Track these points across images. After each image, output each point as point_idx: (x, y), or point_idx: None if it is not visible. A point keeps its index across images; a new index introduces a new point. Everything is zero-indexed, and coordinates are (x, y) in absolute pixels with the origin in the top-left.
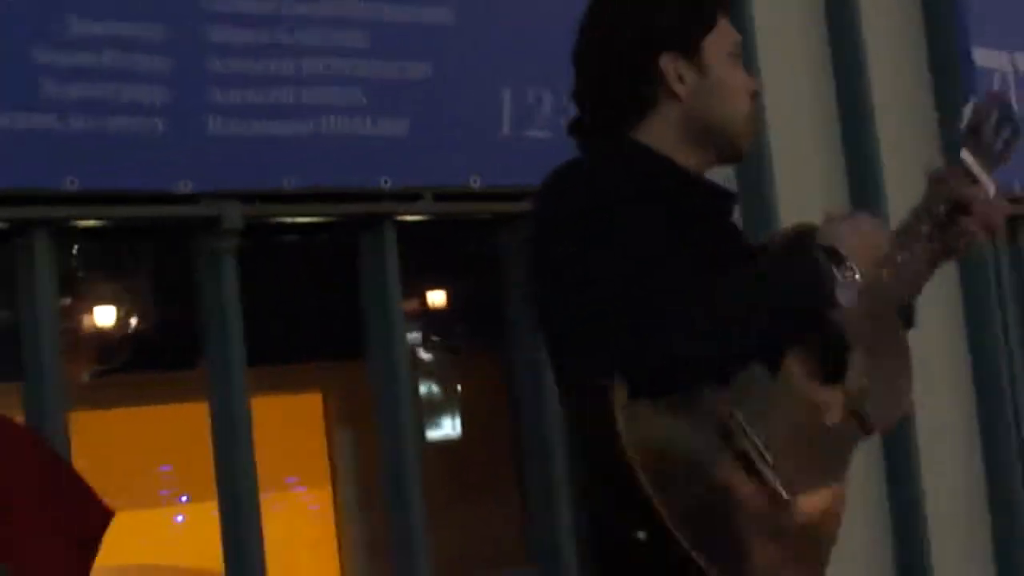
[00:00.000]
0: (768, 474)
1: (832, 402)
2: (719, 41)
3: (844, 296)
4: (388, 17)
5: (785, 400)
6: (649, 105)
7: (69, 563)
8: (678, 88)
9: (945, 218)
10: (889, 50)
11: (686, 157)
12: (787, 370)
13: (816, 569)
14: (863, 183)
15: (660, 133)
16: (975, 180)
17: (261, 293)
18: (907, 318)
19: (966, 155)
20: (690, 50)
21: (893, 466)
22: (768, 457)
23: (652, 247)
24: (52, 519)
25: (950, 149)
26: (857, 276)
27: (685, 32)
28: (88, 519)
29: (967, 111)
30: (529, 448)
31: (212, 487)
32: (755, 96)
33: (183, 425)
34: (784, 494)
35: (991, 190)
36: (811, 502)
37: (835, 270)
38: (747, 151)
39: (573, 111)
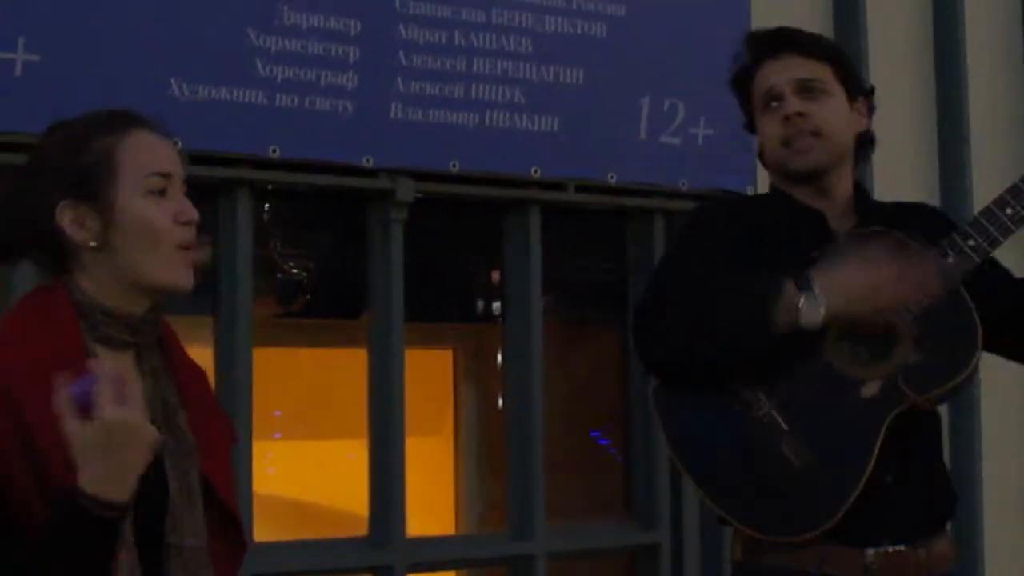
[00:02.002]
0: (783, 439)
1: (869, 374)
2: (756, 102)
3: (808, 317)
4: (550, 27)
5: (818, 369)
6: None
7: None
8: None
9: None
10: (985, 92)
11: (794, 190)
12: (825, 346)
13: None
14: (953, 191)
15: (776, 182)
16: None
17: (418, 259)
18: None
19: None
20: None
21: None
22: (784, 424)
23: (689, 280)
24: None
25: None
26: (819, 299)
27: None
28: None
29: None
30: (634, 411)
31: (351, 426)
32: (785, 122)
33: (339, 369)
34: (802, 451)
35: None
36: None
37: (802, 296)
38: (802, 167)
39: (703, 121)
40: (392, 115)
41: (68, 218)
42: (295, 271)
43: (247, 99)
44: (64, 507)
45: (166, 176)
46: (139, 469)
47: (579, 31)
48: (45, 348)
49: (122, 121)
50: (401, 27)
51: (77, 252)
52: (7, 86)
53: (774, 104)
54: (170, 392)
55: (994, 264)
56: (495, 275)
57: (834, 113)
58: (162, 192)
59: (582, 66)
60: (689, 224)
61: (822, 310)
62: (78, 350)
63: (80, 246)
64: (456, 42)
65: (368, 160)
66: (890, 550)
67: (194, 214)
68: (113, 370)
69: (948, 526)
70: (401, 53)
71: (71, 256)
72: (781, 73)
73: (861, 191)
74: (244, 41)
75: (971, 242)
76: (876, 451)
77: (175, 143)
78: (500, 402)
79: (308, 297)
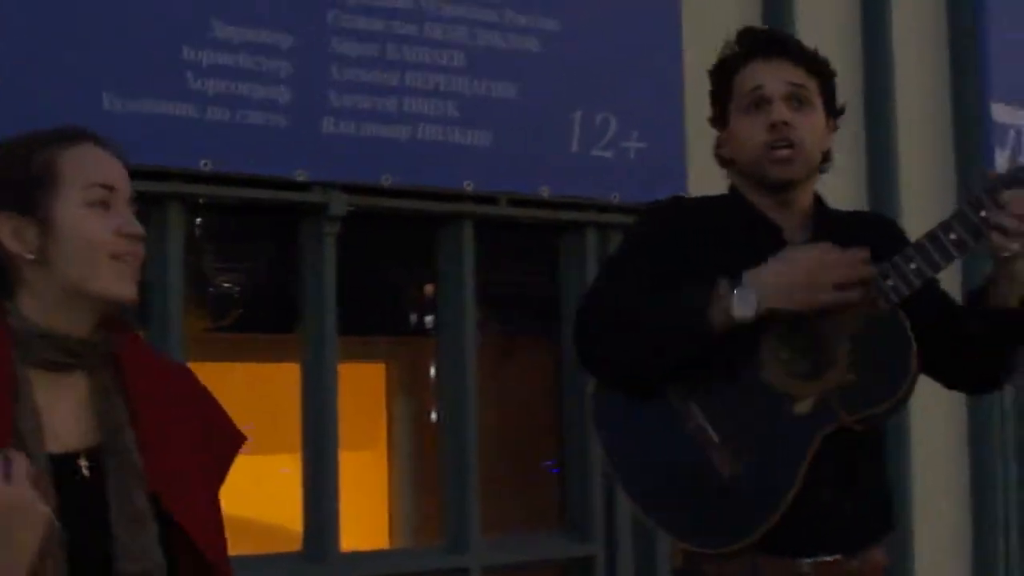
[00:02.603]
0: (714, 450)
1: (804, 391)
2: (736, 99)
3: (740, 310)
4: (482, 41)
5: (754, 385)
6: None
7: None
8: (724, 151)
9: (982, 221)
10: (919, 101)
11: (756, 196)
12: (762, 361)
13: None
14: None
15: (737, 182)
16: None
17: (351, 273)
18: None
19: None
20: (722, 120)
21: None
22: (715, 436)
23: (634, 273)
24: (204, 443)
25: (963, 191)
26: (749, 293)
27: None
28: (227, 443)
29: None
30: (569, 424)
31: (284, 441)
32: (771, 129)
33: (272, 383)
34: (731, 463)
35: None
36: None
37: (734, 291)
38: (781, 176)
39: (635, 135)
40: (324, 128)
41: (6, 231)
42: (227, 285)
43: (179, 112)
44: None
45: (109, 188)
46: (33, 548)
47: (512, 46)
48: None
49: (67, 135)
50: (333, 41)
51: (18, 267)
52: None
53: (760, 106)
54: (118, 411)
55: (933, 287)
56: (428, 289)
57: (813, 128)
58: (104, 205)
59: (515, 80)
60: (642, 222)
61: (754, 299)
62: (6, 382)
63: (18, 259)
64: (388, 56)
65: (301, 174)
66: (826, 560)
67: (138, 229)
68: (18, 457)
69: (885, 539)
70: (333, 67)
71: (13, 272)
72: (774, 77)
73: (820, 203)
74: (176, 54)
75: (912, 265)
76: (804, 469)
77: (122, 162)
78: (434, 416)
79: (240, 311)
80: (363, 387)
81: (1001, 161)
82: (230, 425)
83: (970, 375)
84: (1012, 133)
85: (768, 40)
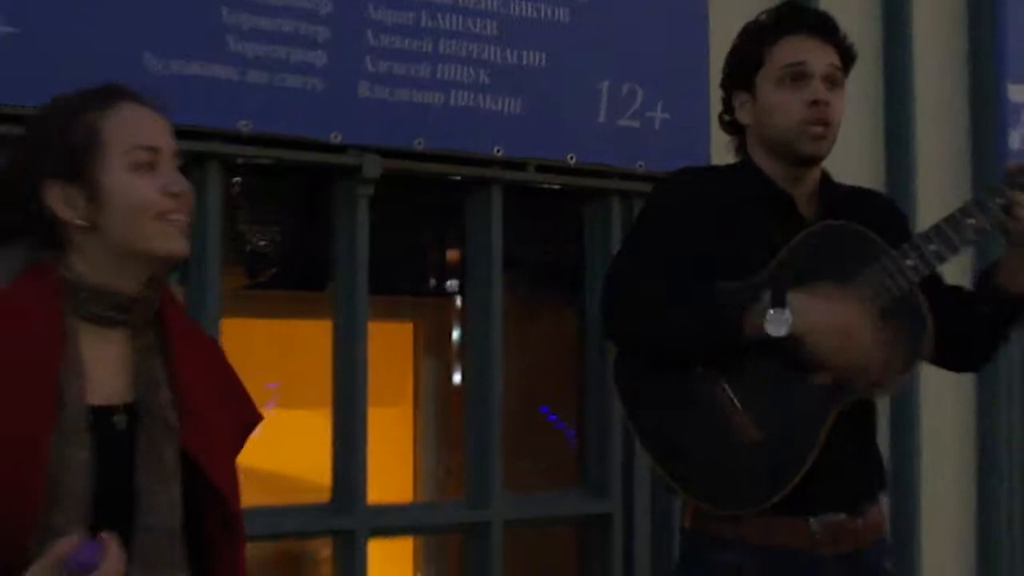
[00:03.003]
0: (737, 417)
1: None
2: (769, 69)
3: (772, 328)
4: (515, 11)
5: (775, 360)
6: (742, 132)
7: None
8: (744, 118)
9: (1002, 206)
10: (936, 81)
11: (771, 166)
12: (786, 344)
13: None
14: (903, 195)
15: (755, 153)
16: None
17: (382, 235)
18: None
19: None
20: (748, 85)
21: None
22: (739, 404)
23: (661, 249)
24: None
25: (979, 170)
26: (787, 315)
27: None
28: (246, 416)
29: None
30: (590, 386)
31: (315, 396)
32: (811, 106)
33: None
34: (755, 432)
35: None
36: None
37: (772, 309)
38: (814, 153)
39: (660, 106)
40: (360, 93)
41: (56, 198)
42: (262, 244)
43: (219, 74)
44: None
45: (154, 150)
46: None
47: (542, 15)
48: (23, 328)
49: (109, 95)
50: (370, 7)
51: (69, 231)
52: None
53: (798, 81)
54: (156, 368)
55: (934, 274)
56: (457, 252)
57: (840, 109)
58: (149, 165)
59: (545, 49)
60: (661, 192)
61: (786, 330)
62: (53, 332)
63: (69, 225)
64: (423, 23)
65: (336, 136)
66: (832, 519)
67: (184, 186)
68: (115, 549)
69: (881, 498)
70: (369, 32)
71: (63, 235)
72: (817, 55)
73: (826, 178)
74: (217, 17)
75: (932, 247)
76: (822, 436)
77: (163, 117)
78: (459, 375)
79: (275, 270)
80: (391, 345)
81: (1014, 141)
82: (251, 403)
83: (968, 354)
84: None
85: (816, 18)
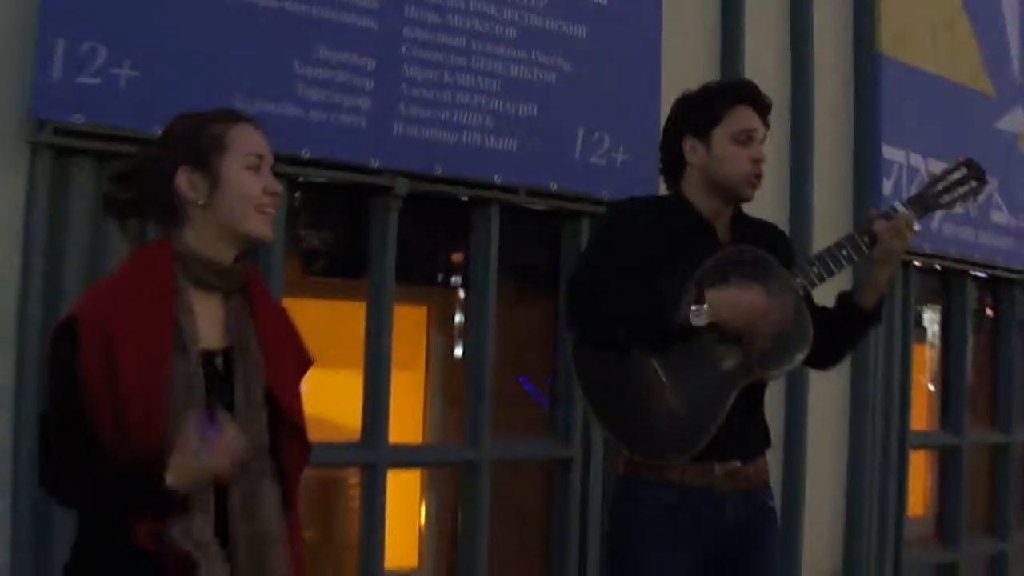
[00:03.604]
0: (663, 390)
1: (729, 354)
2: (726, 127)
3: (695, 320)
4: (514, 73)
5: (695, 348)
6: (680, 169)
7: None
8: (694, 160)
9: (867, 242)
10: (829, 140)
11: (702, 200)
12: (704, 337)
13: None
14: (802, 229)
15: (690, 187)
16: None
17: (407, 238)
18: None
19: (898, 204)
20: (702, 135)
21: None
22: (665, 380)
23: (608, 263)
24: (296, 360)
25: (859, 207)
26: (704, 309)
27: (701, 121)
28: (304, 361)
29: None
30: (561, 360)
31: (351, 360)
32: (755, 163)
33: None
34: (678, 402)
35: (915, 227)
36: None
37: (694, 306)
38: (750, 197)
39: (621, 148)
40: (395, 131)
41: (185, 180)
42: (315, 242)
43: (288, 112)
44: (146, 475)
45: (261, 157)
46: (201, 486)
47: (535, 77)
48: (147, 288)
49: (234, 114)
50: (404, 66)
51: (186, 208)
52: (116, 93)
53: (747, 143)
54: (246, 322)
55: (808, 294)
56: (462, 254)
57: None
58: (256, 168)
59: (536, 103)
60: (614, 215)
61: (705, 319)
62: (169, 291)
63: (190, 203)
64: (444, 79)
65: (375, 162)
66: (731, 466)
67: (278, 188)
68: (231, 424)
69: (767, 453)
70: (403, 85)
71: (181, 211)
72: (760, 124)
73: (739, 211)
74: (290, 69)
75: (815, 270)
76: (728, 407)
77: (267, 139)
78: (460, 349)
79: (324, 262)
80: (409, 324)
81: (887, 187)
82: (306, 351)
83: (828, 354)
84: (896, 167)
85: (763, 98)
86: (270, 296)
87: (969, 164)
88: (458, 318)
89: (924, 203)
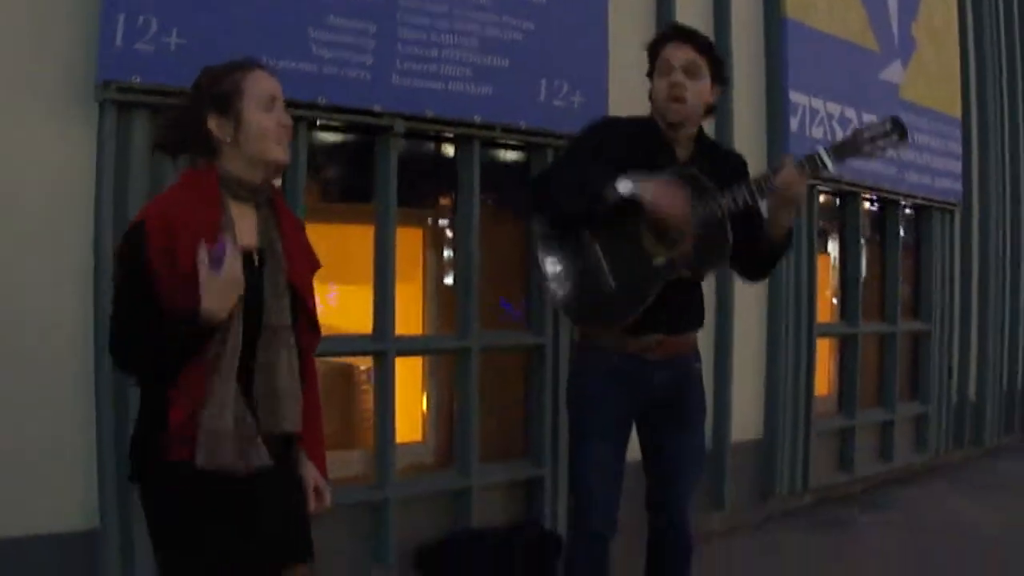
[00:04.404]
0: (605, 274)
1: (662, 253)
2: (657, 65)
3: (622, 188)
4: (488, 33)
5: (634, 243)
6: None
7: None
8: (651, 91)
9: (766, 186)
10: (746, 86)
11: (661, 125)
12: (641, 233)
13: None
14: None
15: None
16: (823, 165)
17: (406, 170)
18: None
19: (822, 150)
20: (650, 74)
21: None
22: (606, 266)
23: (576, 159)
24: (309, 262)
25: (771, 141)
26: (632, 184)
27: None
28: (315, 264)
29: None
30: (531, 263)
31: (362, 275)
32: (670, 86)
33: (355, 237)
34: (612, 283)
35: (832, 171)
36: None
37: (622, 180)
38: (673, 119)
39: (578, 93)
40: (393, 81)
41: (214, 124)
42: (330, 173)
43: (305, 69)
44: (188, 316)
45: (274, 98)
46: (232, 303)
47: (505, 36)
48: (194, 200)
49: (247, 63)
50: (399, 29)
51: (219, 146)
52: (166, 57)
53: (667, 72)
54: (273, 229)
55: (758, 214)
56: (451, 182)
57: (700, 90)
58: (270, 107)
59: (508, 57)
60: (588, 128)
61: (628, 191)
62: (215, 200)
63: (221, 142)
64: (431, 39)
65: (378, 107)
66: (661, 336)
67: (289, 121)
68: (231, 244)
69: (697, 330)
70: (399, 45)
71: (216, 149)
72: (677, 54)
73: (701, 134)
74: (304, 33)
75: (724, 200)
76: (654, 293)
77: (278, 80)
78: (452, 261)
79: (337, 190)
80: (409, 243)
81: (793, 125)
82: (315, 256)
83: (750, 269)
84: (800, 109)
85: (679, 31)
86: (291, 211)
87: (895, 121)
88: (448, 235)
89: (848, 150)
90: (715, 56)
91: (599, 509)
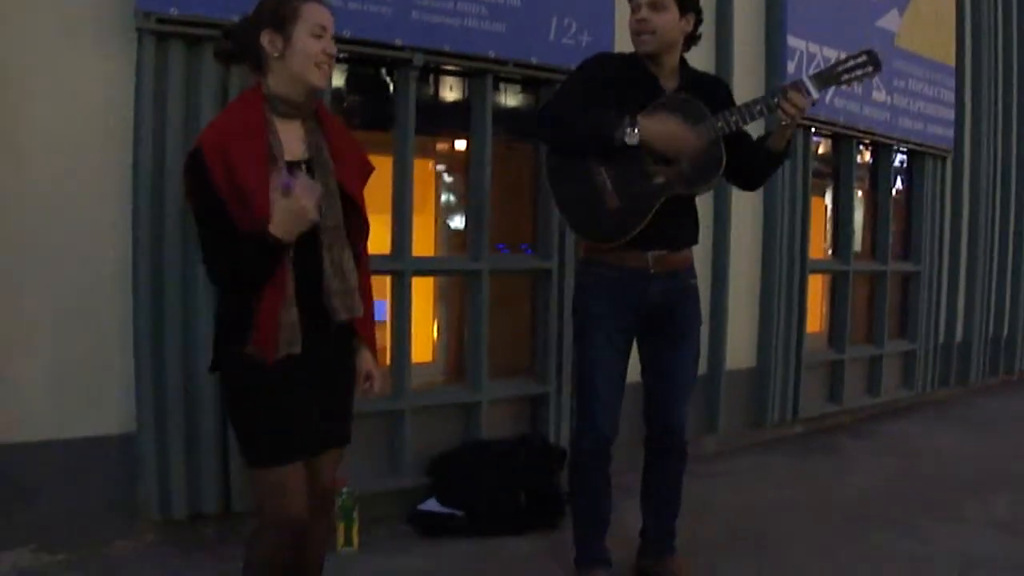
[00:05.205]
0: (608, 193)
1: (660, 173)
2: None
3: (628, 139)
4: None
5: (635, 165)
6: None
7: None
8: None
9: (775, 104)
10: (746, 30)
11: (644, 56)
12: (642, 156)
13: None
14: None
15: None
16: (807, 92)
17: (423, 102)
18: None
19: (806, 78)
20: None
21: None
22: (610, 185)
23: (576, 93)
24: (361, 167)
25: (769, 80)
26: (636, 131)
27: None
28: (367, 167)
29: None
30: (542, 187)
31: (381, 204)
32: (637, 23)
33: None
34: (616, 202)
35: (815, 97)
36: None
37: (628, 128)
38: (639, 49)
39: (586, 32)
40: (413, 17)
41: (267, 39)
42: (354, 102)
43: (334, 3)
44: (260, 236)
45: (324, 28)
46: (302, 228)
47: None
48: (243, 122)
49: None
50: None
51: (268, 60)
52: None
53: (635, 10)
54: (320, 140)
55: (746, 133)
56: (465, 114)
57: (665, 21)
58: (318, 36)
59: None
60: (583, 64)
61: (636, 139)
62: (261, 121)
63: (270, 56)
64: None
65: (399, 41)
66: (658, 253)
67: (334, 50)
68: (302, 176)
69: (692, 247)
70: None
71: (265, 62)
72: None
73: (684, 64)
74: None
75: (734, 118)
76: (655, 208)
77: (331, 13)
78: (465, 189)
79: (360, 118)
80: (424, 173)
81: (790, 68)
82: (367, 160)
83: (749, 180)
84: (798, 53)
85: None
86: (337, 121)
87: (869, 53)
88: (460, 164)
89: (827, 78)
90: None
91: (604, 408)
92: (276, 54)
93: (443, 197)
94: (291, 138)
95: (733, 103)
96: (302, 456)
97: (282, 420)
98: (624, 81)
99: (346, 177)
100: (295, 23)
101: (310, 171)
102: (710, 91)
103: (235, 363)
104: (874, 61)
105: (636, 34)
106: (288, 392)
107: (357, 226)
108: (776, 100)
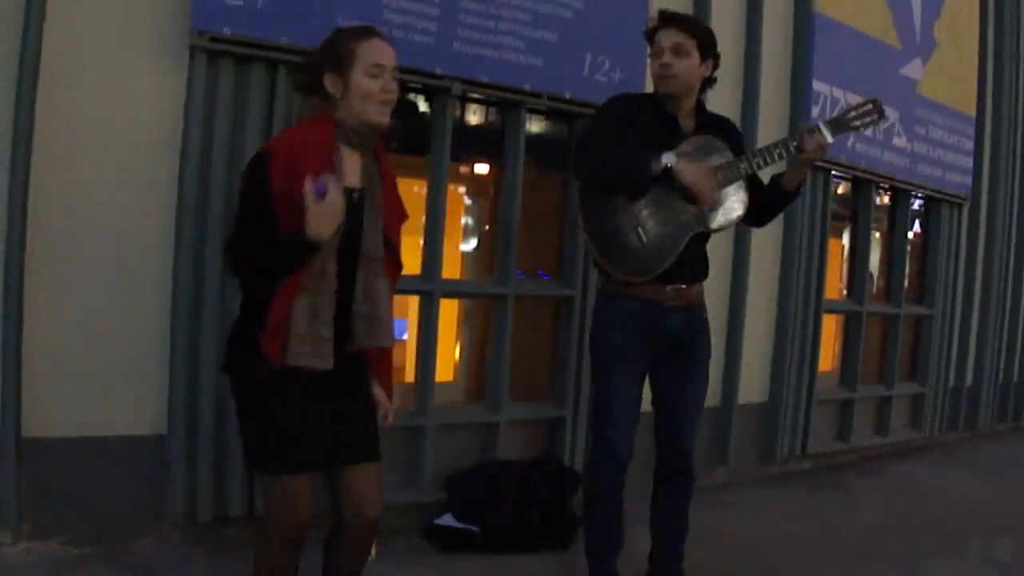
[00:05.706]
0: (639, 228)
1: (690, 211)
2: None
3: (665, 160)
4: (540, 10)
5: (666, 202)
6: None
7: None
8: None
9: (795, 147)
10: (773, 73)
11: (662, 97)
12: (669, 194)
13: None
14: (750, 141)
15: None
16: (824, 136)
17: (460, 129)
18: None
19: (821, 124)
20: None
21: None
22: (641, 221)
23: (606, 133)
24: (400, 213)
25: (793, 125)
26: (671, 159)
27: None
28: (403, 213)
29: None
30: (569, 209)
31: (414, 225)
32: (660, 67)
33: (411, 187)
34: (647, 237)
35: (830, 141)
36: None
37: (664, 155)
38: (662, 92)
39: (618, 69)
40: (454, 48)
41: (329, 81)
42: (392, 128)
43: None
44: (297, 236)
45: (381, 67)
46: (331, 230)
47: (555, 12)
48: (312, 140)
49: (365, 31)
50: (462, 2)
51: (333, 99)
52: (254, 12)
53: (658, 54)
54: (375, 173)
55: (756, 178)
56: (498, 143)
57: (687, 66)
58: (376, 76)
59: (556, 32)
60: (608, 104)
61: (670, 164)
62: (330, 143)
63: (333, 96)
64: (490, 12)
65: (439, 70)
66: (677, 287)
67: (394, 90)
68: (334, 180)
69: (703, 282)
70: (461, 14)
71: (331, 100)
72: (665, 38)
73: (700, 105)
74: (381, 8)
75: (756, 160)
76: (683, 245)
77: (393, 48)
78: (495, 216)
79: (398, 143)
80: (454, 197)
81: (815, 112)
82: (404, 207)
83: (760, 218)
84: (822, 97)
85: (666, 17)
86: (391, 164)
87: (874, 102)
88: (492, 192)
89: (839, 125)
90: (700, 35)
91: (621, 433)
92: (338, 95)
93: (470, 221)
94: (350, 165)
95: (743, 142)
96: (311, 468)
97: (291, 428)
98: (646, 121)
99: (389, 216)
100: (352, 63)
101: (362, 200)
102: (724, 131)
103: (250, 365)
104: (879, 110)
105: (658, 77)
106: (298, 401)
107: (391, 265)
108: (795, 143)
